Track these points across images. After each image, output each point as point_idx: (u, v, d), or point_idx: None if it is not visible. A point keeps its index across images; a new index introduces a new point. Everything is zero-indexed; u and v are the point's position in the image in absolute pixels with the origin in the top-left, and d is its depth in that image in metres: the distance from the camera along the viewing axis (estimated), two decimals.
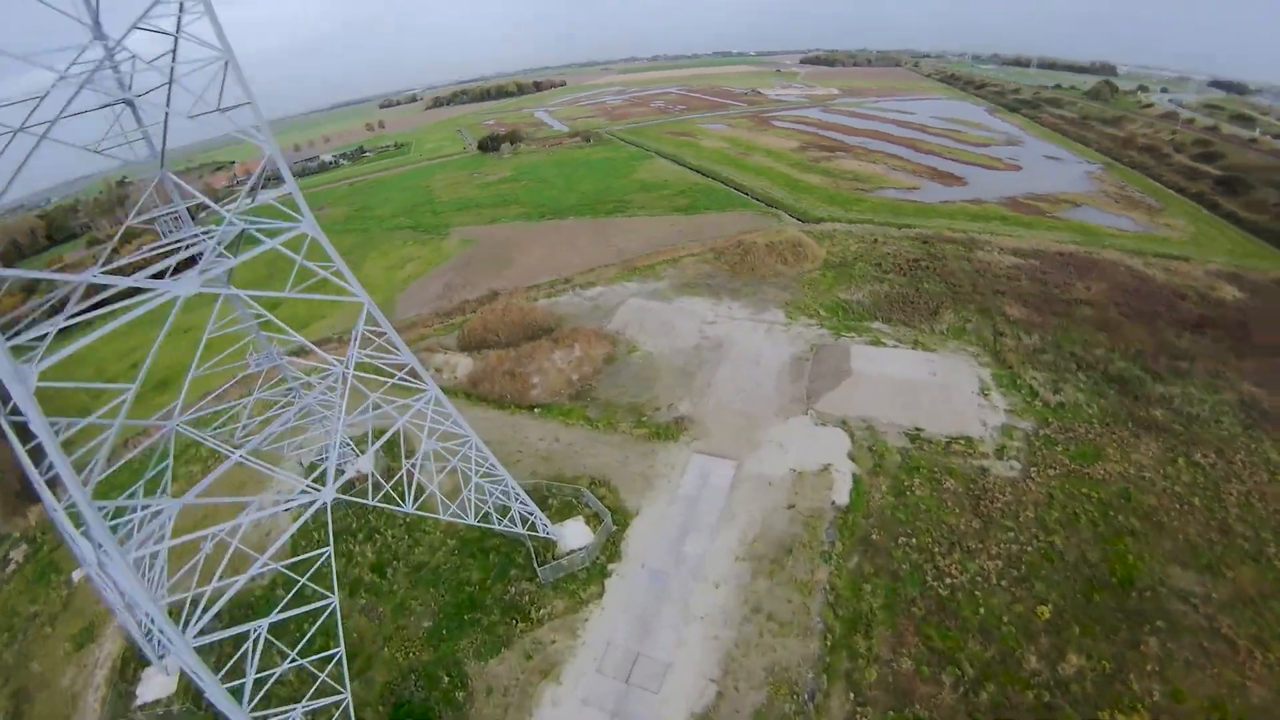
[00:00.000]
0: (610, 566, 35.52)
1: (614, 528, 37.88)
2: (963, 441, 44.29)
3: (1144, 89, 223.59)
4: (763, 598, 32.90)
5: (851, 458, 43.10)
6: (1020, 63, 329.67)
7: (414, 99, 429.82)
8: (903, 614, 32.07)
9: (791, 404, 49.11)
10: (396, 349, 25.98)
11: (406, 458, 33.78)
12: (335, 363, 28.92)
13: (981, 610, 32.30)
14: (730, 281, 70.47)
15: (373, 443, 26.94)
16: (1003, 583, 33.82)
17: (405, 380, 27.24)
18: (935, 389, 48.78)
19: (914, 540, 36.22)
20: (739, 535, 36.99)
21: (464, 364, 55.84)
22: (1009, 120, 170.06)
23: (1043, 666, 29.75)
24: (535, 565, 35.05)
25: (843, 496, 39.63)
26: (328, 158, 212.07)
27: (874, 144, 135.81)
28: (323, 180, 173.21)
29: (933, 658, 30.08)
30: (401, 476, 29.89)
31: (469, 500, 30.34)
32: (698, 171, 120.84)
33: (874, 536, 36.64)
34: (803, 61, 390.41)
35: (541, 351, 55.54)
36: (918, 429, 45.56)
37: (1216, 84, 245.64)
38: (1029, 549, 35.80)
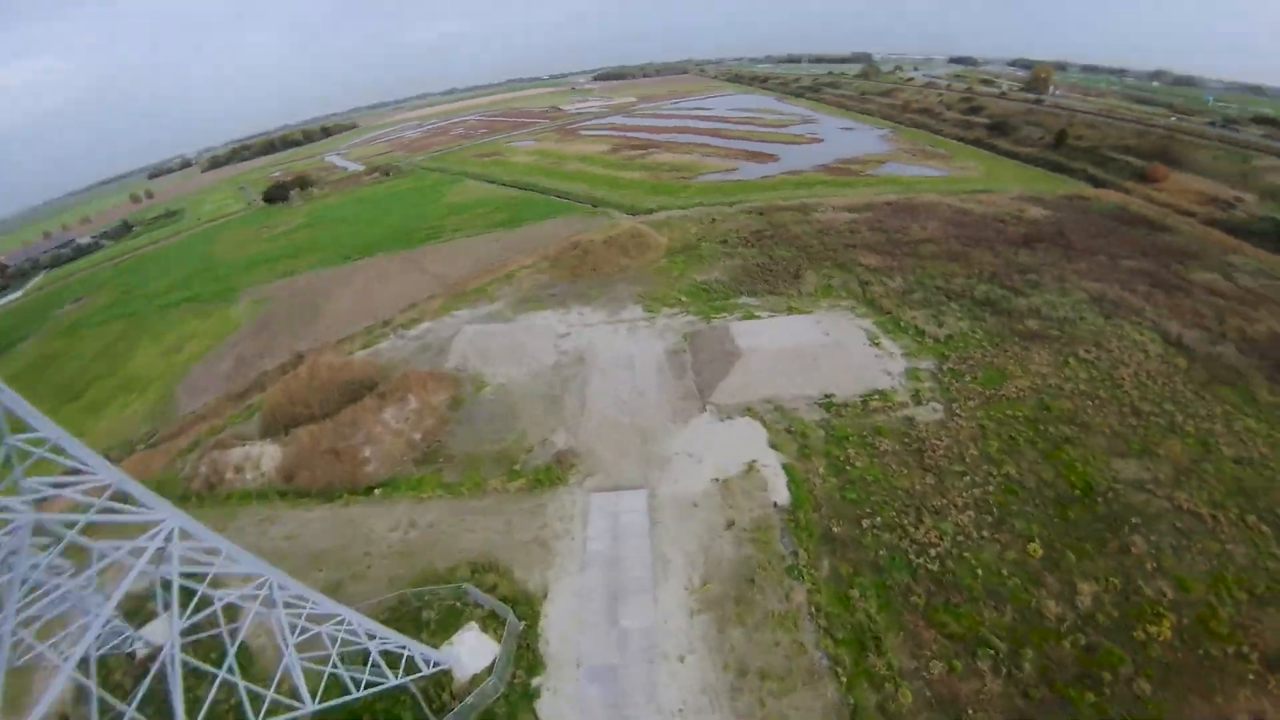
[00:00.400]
0: (535, 682, 26.48)
1: (521, 624, 28.93)
2: (877, 397, 42.17)
3: (899, 68, 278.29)
4: (744, 653, 26.16)
5: (774, 446, 38.56)
6: (792, 59, 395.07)
7: (188, 164, 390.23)
8: (905, 609, 27.38)
9: (684, 403, 43.86)
10: (86, 465, 15.61)
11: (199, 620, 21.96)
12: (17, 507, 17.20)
13: (979, 571, 28.90)
14: (575, 286, 64.85)
15: (110, 599, 16.00)
16: (984, 533, 30.98)
17: (116, 511, 16.70)
18: (829, 350, 46.53)
19: (878, 519, 32.15)
20: (683, 582, 30.06)
21: (271, 454, 42.90)
22: (797, 104, 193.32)
23: (1063, 608, 27.24)
24: (430, 717, 25.09)
25: (782, 494, 34.67)
26: (85, 240, 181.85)
27: (683, 138, 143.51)
28: (81, 266, 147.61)
29: (958, 647, 25.67)
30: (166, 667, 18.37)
31: (293, 670, 19.92)
32: (513, 186, 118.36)
33: (835, 529, 31.95)
34: (595, 79, 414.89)
35: (368, 413, 44.49)
36: (828, 396, 42.63)
37: (954, 60, 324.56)
38: (990, 488, 33.71)
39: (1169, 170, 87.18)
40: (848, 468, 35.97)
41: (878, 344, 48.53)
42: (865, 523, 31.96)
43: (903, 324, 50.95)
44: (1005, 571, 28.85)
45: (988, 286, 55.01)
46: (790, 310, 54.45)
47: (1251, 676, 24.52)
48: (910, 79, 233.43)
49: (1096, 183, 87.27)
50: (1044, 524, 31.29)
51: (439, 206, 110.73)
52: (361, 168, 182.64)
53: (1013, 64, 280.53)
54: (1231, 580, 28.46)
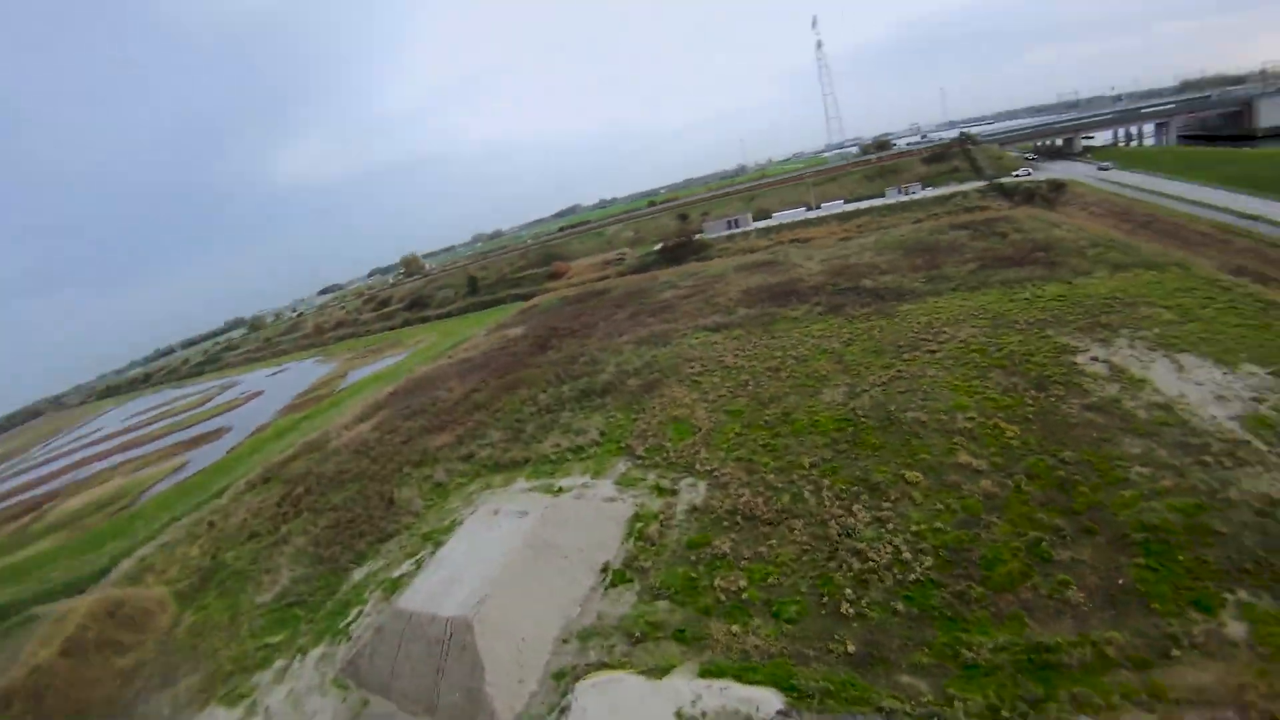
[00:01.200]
0: None
1: None
2: (641, 521, 34.26)
3: (279, 316, 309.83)
4: None
5: (654, 674, 24.64)
6: (164, 352, 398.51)
7: None
8: (993, 612, 21.36)
9: None
10: None
11: None
12: None
13: (939, 525, 26.81)
14: None
15: None
16: (891, 504, 28.37)
17: None
18: (544, 526, 35.12)
19: (841, 611, 24.05)
20: None
21: None
22: (203, 381, 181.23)
23: (1005, 486, 27.81)
24: None
25: (764, 699, 22.05)
26: None
27: (87, 470, 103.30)
28: None
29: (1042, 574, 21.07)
30: None
31: None
32: None
33: (849, 648, 22.29)
34: None
35: None
36: (603, 568, 31.83)
37: (323, 291, 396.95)
38: (823, 480, 32.07)
39: (567, 264, 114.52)
40: (742, 598, 26.38)
41: (558, 491, 40.07)
42: (848, 608, 23.70)
43: (553, 457, 44.18)
44: (951, 505, 27.52)
45: (572, 383, 54.52)
46: (431, 539, 39.34)
47: (1077, 424, 30.77)
48: (299, 314, 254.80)
49: (525, 297, 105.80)
50: (882, 466, 31.65)
51: None
52: None
53: (371, 273, 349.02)
54: (994, 390, 35.59)
